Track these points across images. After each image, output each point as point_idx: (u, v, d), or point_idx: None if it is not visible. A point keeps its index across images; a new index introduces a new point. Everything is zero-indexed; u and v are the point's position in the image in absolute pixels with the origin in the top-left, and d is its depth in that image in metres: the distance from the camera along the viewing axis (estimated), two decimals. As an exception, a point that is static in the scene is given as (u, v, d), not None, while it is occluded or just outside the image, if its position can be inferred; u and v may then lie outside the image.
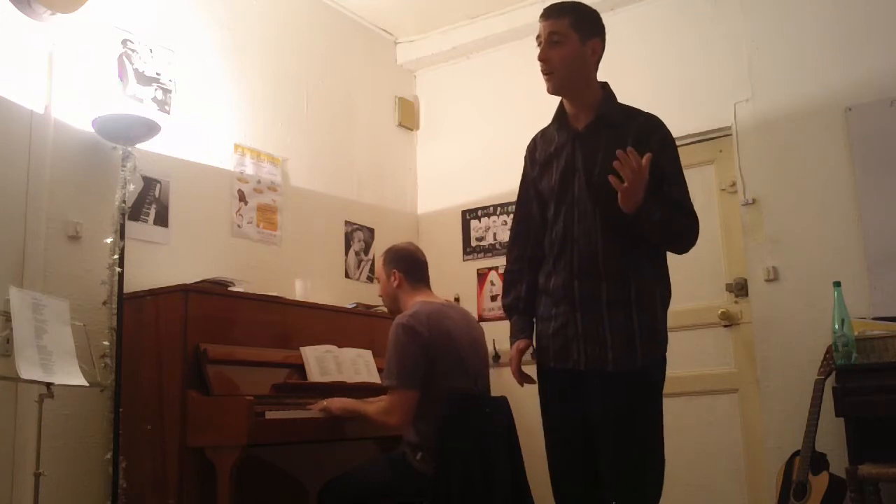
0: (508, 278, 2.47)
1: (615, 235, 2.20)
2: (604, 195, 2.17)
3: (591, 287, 2.21)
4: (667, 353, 2.31)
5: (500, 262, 4.49)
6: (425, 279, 3.01)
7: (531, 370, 2.42)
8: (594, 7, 2.35)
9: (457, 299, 4.48)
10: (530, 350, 2.39)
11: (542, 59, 2.26)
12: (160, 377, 2.89)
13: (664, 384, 2.30)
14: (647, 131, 2.25)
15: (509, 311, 2.45)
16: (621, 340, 2.18)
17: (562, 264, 2.27)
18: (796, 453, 3.21)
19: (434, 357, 2.72)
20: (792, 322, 3.59)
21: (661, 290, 2.28)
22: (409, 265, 2.98)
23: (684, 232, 2.24)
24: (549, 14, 2.27)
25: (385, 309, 3.62)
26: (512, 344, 2.41)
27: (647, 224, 2.14)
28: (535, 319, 2.40)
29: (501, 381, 3.62)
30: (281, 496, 3.29)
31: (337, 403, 2.88)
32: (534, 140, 2.45)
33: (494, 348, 4.21)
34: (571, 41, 2.24)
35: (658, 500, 2.23)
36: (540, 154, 2.39)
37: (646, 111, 2.34)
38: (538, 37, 2.29)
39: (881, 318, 3.27)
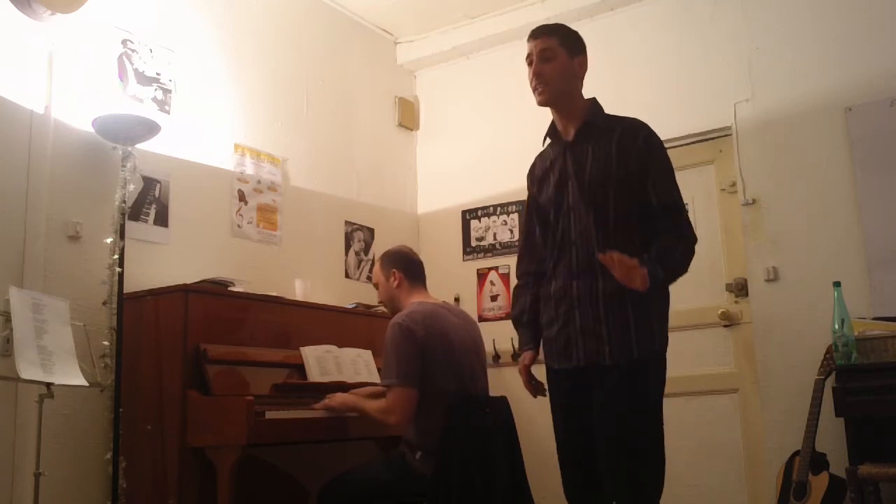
0: (515, 293, 2.59)
1: (609, 234, 2.29)
2: (595, 197, 2.30)
3: (589, 285, 2.29)
4: (667, 353, 2.32)
5: (500, 262, 4.51)
6: (422, 279, 3.04)
7: (541, 375, 2.48)
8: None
9: (457, 299, 4.48)
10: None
11: (536, 73, 2.39)
12: (160, 377, 2.89)
13: (664, 386, 2.31)
14: (631, 134, 2.35)
15: (515, 324, 2.56)
16: (617, 334, 2.24)
17: (561, 267, 2.37)
18: (796, 453, 3.22)
19: (429, 356, 2.73)
20: (792, 322, 3.59)
21: None
22: (407, 265, 3.01)
23: (688, 250, 2.31)
24: (538, 34, 2.42)
25: (385, 311, 3.63)
26: (519, 357, 2.52)
27: (664, 282, 2.25)
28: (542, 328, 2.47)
29: (502, 381, 3.64)
30: (281, 496, 3.29)
31: (338, 398, 2.91)
32: (533, 163, 2.57)
33: (494, 348, 4.21)
34: (561, 57, 2.38)
35: (656, 499, 2.24)
36: (538, 171, 2.52)
37: (630, 117, 2.43)
38: (528, 56, 2.42)
39: (881, 318, 3.27)
